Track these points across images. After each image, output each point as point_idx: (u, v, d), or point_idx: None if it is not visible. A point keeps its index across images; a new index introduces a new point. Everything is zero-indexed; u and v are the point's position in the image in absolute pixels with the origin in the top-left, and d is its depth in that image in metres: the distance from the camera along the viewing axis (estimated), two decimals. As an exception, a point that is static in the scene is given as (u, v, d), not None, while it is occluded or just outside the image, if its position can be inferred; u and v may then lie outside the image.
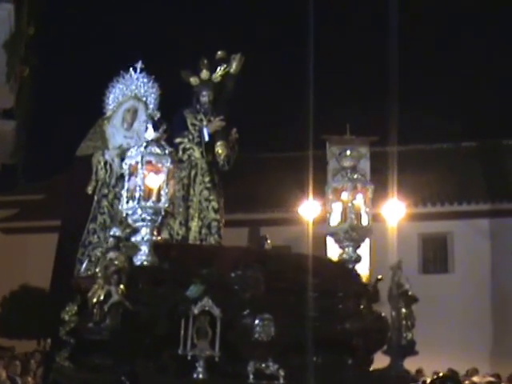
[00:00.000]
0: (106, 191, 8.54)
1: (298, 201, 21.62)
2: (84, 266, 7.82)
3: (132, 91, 8.90)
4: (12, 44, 13.69)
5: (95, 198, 8.54)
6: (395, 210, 20.92)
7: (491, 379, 14.74)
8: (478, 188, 24.48)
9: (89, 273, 7.46)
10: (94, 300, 6.41)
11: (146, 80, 8.96)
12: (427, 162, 25.38)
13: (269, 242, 8.69)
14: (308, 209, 20.53)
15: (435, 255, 23.85)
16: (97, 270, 6.76)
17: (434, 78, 35.50)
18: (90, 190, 8.52)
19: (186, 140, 8.94)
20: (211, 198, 8.89)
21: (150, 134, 7.17)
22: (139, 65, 8.94)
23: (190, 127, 9.04)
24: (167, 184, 7.06)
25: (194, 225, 8.79)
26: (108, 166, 8.56)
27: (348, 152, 8.07)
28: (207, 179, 8.93)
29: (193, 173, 8.90)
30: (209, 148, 8.95)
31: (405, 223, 21.59)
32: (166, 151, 7.14)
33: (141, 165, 7.03)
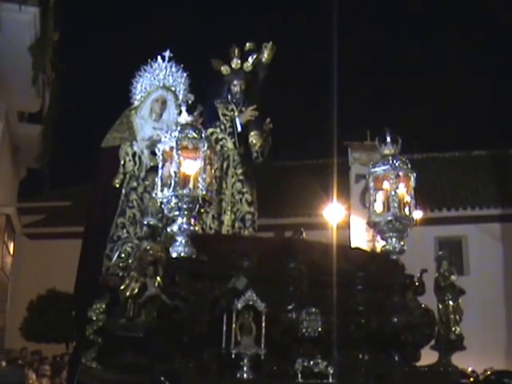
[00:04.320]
0: (134, 184, 7.71)
1: (323, 205, 21.01)
2: (114, 260, 6.97)
3: (160, 81, 8.08)
4: (37, 48, 13.02)
5: (123, 191, 7.70)
6: (413, 214, 20.19)
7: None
8: (488, 194, 24.37)
9: (121, 265, 6.62)
10: (127, 294, 5.55)
11: (174, 69, 8.14)
12: (441, 169, 25.30)
13: (304, 235, 7.85)
14: (332, 212, 19.82)
15: (451, 257, 23.16)
16: (129, 261, 5.94)
17: (450, 91, 34.96)
18: (117, 183, 7.69)
19: (218, 130, 8.13)
20: (244, 190, 8.06)
21: (185, 117, 6.34)
22: (167, 53, 8.11)
23: (222, 118, 8.24)
24: (204, 170, 6.20)
25: (227, 218, 7.96)
26: (137, 158, 7.73)
27: (388, 139, 7.21)
28: (240, 171, 8.11)
29: (225, 165, 8.10)
30: (241, 139, 8.12)
31: (422, 227, 21.07)
32: (203, 135, 6.30)
33: (176, 150, 6.19)
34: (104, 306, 6.32)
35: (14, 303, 19.15)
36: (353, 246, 14.82)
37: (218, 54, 8.53)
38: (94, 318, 6.34)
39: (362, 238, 19.81)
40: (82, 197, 24.82)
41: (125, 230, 7.54)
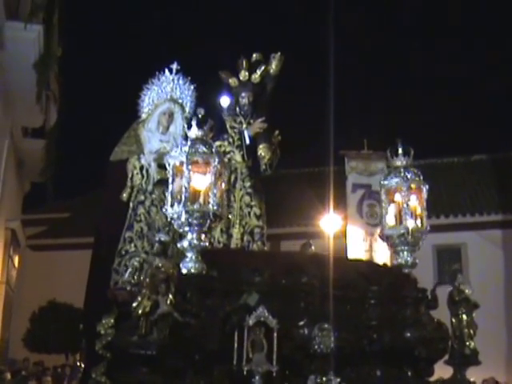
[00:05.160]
0: (142, 198, 7.58)
1: (319, 215, 20.72)
2: (126, 275, 6.81)
3: (168, 93, 7.93)
4: (41, 65, 12.94)
5: (130, 204, 7.58)
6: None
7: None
8: (489, 199, 23.90)
9: (132, 281, 6.46)
10: (140, 311, 5.38)
11: (182, 81, 7.99)
12: (440, 175, 24.61)
13: (313, 248, 7.68)
14: (329, 222, 19.60)
15: (450, 266, 22.88)
16: (141, 278, 5.78)
17: (446, 92, 34.82)
18: (124, 197, 7.56)
19: (225, 143, 7.96)
20: (253, 203, 7.90)
21: (195, 131, 6.18)
22: (175, 66, 7.96)
23: (230, 130, 8.08)
24: (215, 185, 6.04)
25: (236, 232, 7.80)
26: (144, 171, 7.60)
27: (400, 150, 7.04)
28: (248, 184, 7.96)
29: (232, 178, 7.93)
30: (250, 151, 7.95)
31: (420, 235, 20.79)
32: (213, 149, 6.14)
33: (186, 165, 6.03)
34: (112, 320, 6.22)
35: (18, 314, 19.04)
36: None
37: (226, 65, 8.40)
38: (103, 333, 6.24)
39: (359, 247, 19.57)
40: (81, 208, 24.79)
41: (132, 244, 7.41)
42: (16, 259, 17.29)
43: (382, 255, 17.86)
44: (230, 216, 7.83)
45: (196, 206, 5.98)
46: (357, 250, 19.30)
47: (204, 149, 6.09)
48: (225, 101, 8.30)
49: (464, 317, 6.78)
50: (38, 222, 24.55)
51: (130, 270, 6.94)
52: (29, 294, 20.48)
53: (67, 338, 16.90)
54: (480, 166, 25.99)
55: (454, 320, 6.82)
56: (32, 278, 21.77)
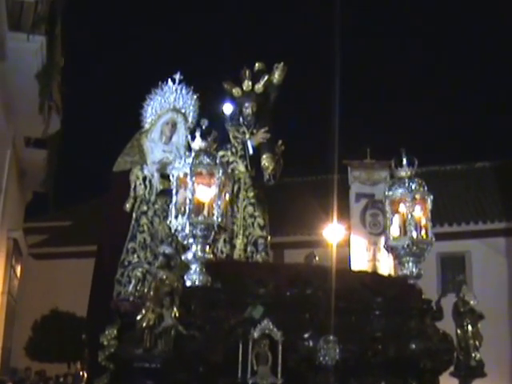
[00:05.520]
0: (145, 208, 7.56)
1: (322, 224, 20.68)
2: (130, 287, 6.79)
3: (170, 103, 7.92)
4: (44, 75, 12.97)
5: (133, 215, 7.54)
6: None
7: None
8: (492, 207, 23.77)
9: (136, 294, 6.44)
10: (144, 324, 5.36)
11: (184, 91, 7.97)
12: (442, 183, 24.48)
13: (317, 258, 7.68)
14: (332, 232, 19.58)
15: (454, 274, 22.80)
16: (144, 289, 5.78)
17: (449, 100, 34.82)
18: (128, 207, 7.53)
19: (229, 153, 7.94)
20: (256, 214, 7.87)
21: (199, 143, 6.17)
22: (178, 76, 7.95)
23: (233, 140, 8.05)
24: (219, 197, 6.03)
25: (239, 242, 7.77)
26: (147, 182, 7.57)
27: (404, 161, 7.02)
28: (251, 194, 7.93)
29: (236, 188, 7.89)
30: (253, 161, 7.93)
31: (424, 243, 20.73)
32: (217, 161, 6.13)
33: (190, 177, 6.02)
34: (115, 331, 6.20)
35: (20, 323, 19.02)
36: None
37: (229, 75, 8.39)
38: (106, 344, 6.22)
39: (362, 257, 19.54)
40: (83, 217, 24.80)
41: (135, 255, 7.38)
42: (18, 269, 17.29)
43: (386, 264, 17.85)
44: (233, 226, 7.80)
45: (200, 218, 5.98)
46: (360, 259, 19.27)
47: (208, 160, 6.10)
48: (227, 108, 8.29)
49: (469, 328, 6.76)
50: (39, 231, 24.55)
51: (133, 281, 6.92)
52: (31, 302, 20.46)
53: (69, 347, 16.88)
54: (483, 173, 25.88)
55: (459, 331, 6.80)
56: (34, 287, 21.75)
